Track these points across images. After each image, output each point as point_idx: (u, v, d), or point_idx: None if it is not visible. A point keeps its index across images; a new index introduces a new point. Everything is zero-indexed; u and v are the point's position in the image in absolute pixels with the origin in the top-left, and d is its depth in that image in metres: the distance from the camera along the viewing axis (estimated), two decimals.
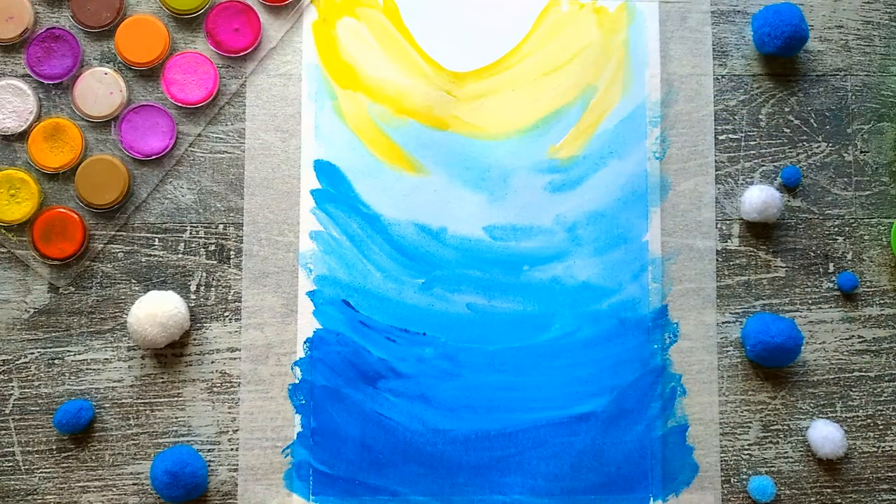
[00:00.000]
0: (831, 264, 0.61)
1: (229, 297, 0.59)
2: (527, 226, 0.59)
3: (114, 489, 0.58)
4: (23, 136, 0.59)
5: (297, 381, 0.58)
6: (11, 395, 0.58)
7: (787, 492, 0.59)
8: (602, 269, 0.59)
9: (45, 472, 0.58)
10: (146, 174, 0.59)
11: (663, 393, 0.59)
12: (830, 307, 0.61)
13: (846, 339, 0.60)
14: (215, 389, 0.58)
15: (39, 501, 0.58)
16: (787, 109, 0.62)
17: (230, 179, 0.60)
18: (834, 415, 0.60)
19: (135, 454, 0.58)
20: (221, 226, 0.59)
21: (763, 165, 0.61)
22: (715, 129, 0.61)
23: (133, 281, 0.59)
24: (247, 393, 0.58)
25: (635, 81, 0.60)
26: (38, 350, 0.58)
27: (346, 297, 0.59)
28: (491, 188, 0.59)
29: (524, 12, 0.61)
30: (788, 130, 0.62)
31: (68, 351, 0.58)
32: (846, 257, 0.61)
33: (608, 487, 0.58)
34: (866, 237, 0.61)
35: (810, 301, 0.61)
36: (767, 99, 0.62)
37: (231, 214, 0.59)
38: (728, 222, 0.61)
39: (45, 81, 0.59)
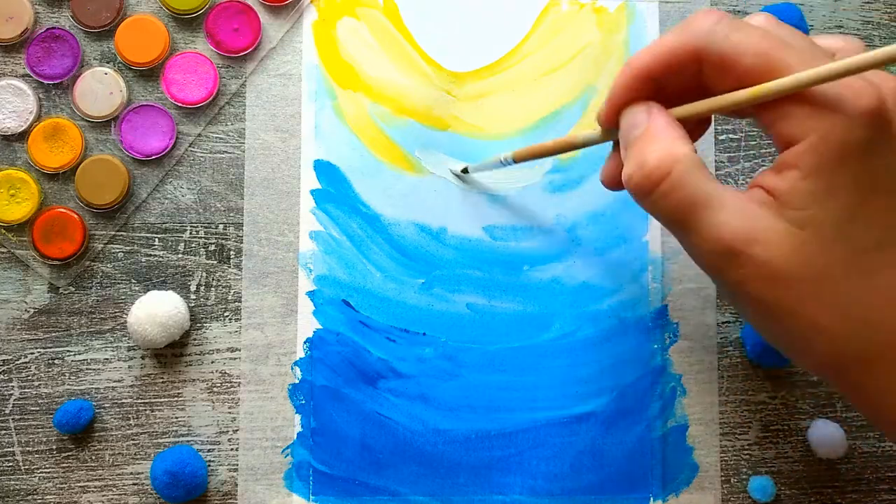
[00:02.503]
0: None
1: (229, 297, 0.59)
2: (527, 226, 0.59)
3: (114, 489, 0.58)
4: (23, 136, 0.59)
5: (297, 381, 0.58)
6: (11, 395, 0.58)
7: (787, 492, 0.59)
8: (602, 269, 0.59)
9: (45, 472, 0.58)
10: (146, 174, 0.59)
11: (663, 393, 0.59)
12: None
13: None
14: (215, 389, 0.58)
15: (39, 501, 0.58)
16: None
17: (230, 179, 0.60)
18: (834, 415, 0.60)
19: (135, 454, 0.58)
20: (221, 226, 0.59)
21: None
22: (715, 129, 0.61)
23: (133, 281, 0.59)
24: (247, 393, 0.58)
25: None
26: (38, 350, 0.58)
27: (346, 297, 0.59)
28: (491, 188, 0.59)
29: (524, 12, 0.61)
30: None
31: (68, 351, 0.58)
32: None
33: (608, 487, 0.58)
34: None
35: None
36: None
37: (231, 214, 0.59)
38: None
39: (45, 81, 0.59)
